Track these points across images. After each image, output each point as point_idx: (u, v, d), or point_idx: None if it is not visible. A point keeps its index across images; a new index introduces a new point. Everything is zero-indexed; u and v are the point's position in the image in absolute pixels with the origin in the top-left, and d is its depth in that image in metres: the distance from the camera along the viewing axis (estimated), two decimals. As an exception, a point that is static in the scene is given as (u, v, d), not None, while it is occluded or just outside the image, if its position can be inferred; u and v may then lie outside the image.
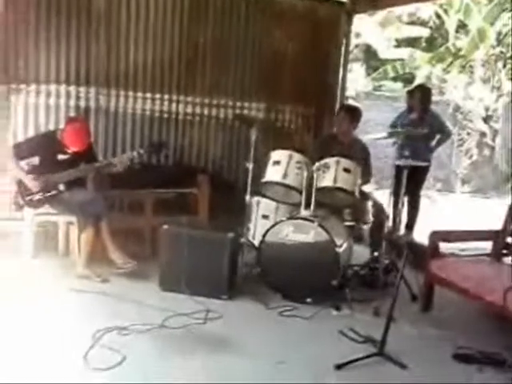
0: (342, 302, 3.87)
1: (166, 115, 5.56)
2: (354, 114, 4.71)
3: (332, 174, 4.00)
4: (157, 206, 4.82)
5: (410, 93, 5.75)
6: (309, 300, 3.86)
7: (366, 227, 4.49)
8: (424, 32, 12.19)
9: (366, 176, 4.49)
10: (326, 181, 4.01)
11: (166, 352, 3.05)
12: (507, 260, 4.25)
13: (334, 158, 4.05)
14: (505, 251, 4.28)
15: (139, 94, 5.43)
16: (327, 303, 3.84)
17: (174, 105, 5.57)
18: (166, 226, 3.98)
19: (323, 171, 4.01)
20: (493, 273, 3.93)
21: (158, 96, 5.50)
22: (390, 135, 4.43)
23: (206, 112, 5.70)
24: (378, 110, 9.92)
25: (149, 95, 5.46)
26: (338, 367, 2.97)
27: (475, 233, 4.46)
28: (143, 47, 5.37)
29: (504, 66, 10.80)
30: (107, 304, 3.64)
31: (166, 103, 5.53)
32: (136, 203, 4.98)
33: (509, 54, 10.17)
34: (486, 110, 11.07)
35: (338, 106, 5.87)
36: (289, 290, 3.92)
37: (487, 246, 4.27)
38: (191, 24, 5.51)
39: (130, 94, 5.39)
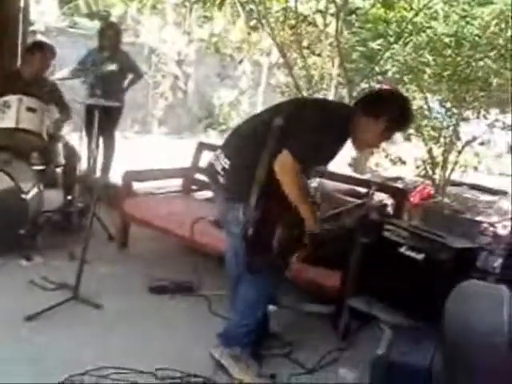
0: (34, 250, 3.65)
1: None
2: (47, 52, 4.32)
3: (14, 113, 3.64)
4: None
5: (101, 31, 5.56)
6: (-6, 253, 3.52)
7: (59, 170, 4.28)
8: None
9: (65, 113, 4.27)
10: (7, 121, 3.63)
11: None
12: (198, 195, 4.59)
13: (16, 96, 3.67)
14: (194, 187, 4.60)
15: None
16: (16, 254, 3.57)
17: None
18: None
19: (3, 111, 3.62)
20: (183, 208, 4.19)
21: None
22: (78, 73, 4.23)
23: None
24: (72, 48, 9.40)
25: None
26: (30, 318, 2.83)
27: (167, 171, 4.67)
28: None
29: (190, 10, 11.25)
30: None
31: None
32: None
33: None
34: (179, 54, 11.53)
35: (20, 40, 5.32)
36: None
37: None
38: None
39: None
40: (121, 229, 4.06)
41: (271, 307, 2.95)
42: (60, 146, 4.12)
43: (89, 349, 2.68)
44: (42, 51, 4.29)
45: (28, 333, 2.75)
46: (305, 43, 8.52)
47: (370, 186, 3.67)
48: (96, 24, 12.02)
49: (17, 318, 2.83)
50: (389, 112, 2.43)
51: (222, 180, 2.51)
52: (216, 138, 10.14)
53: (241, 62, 11.88)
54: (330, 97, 7.31)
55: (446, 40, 6.26)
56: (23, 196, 3.56)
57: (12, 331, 2.74)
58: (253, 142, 2.42)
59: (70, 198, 4.18)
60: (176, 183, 4.65)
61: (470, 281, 2.25)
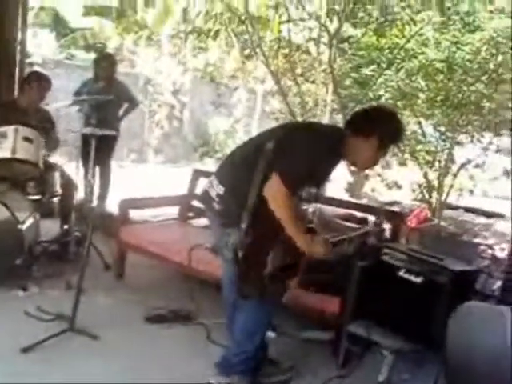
0: (30, 280, 3.62)
1: None
2: (44, 83, 4.37)
3: (10, 143, 3.64)
4: None
5: (96, 61, 5.63)
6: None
7: (55, 200, 4.27)
8: (113, 1, 12.03)
9: (53, 144, 4.27)
10: (4, 152, 3.63)
11: None
12: (194, 222, 4.56)
13: (12, 127, 3.68)
14: (191, 214, 4.59)
15: None
16: (12, 284, 3.53)
17: None
18: None
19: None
20: (179, 235, 4.17)
21: None
22: (74, 103, 4.26)
23: None
24: (68, 80, 9.50)
25: None
26: (25, 350, 2.78)
27: (163, 199, 4.66)
28: None
29: (185, 40, 11.39)
30: None
31: None
32: None
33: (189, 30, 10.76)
34: (174, 83, 11.64)
35: (17, 71, 5.36)
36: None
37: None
38: None
39: None
40: (117, 258, 4.02)
41: (270, 334, 2.91)
42: (56, 175, 4.12)
43: (86, 380, 2.63)
44: (38, 81, 4.33)
45: (24, 365, 2.71)
46: (298, 71, 8.62)
47: (368, 211, 3.69)
48: (92, 56, 12.15)
49: (12, 349, 2.78)
50: (379, 130, 2.42)
51: (216, 206, 2.49)
52: (212, 166, 10.16)
53: (236, 89, 11.99)
54: (325, 122, 7.35)
55: (438, 65, 6.36)
56: (19, 226, 3.53)
57: (7, 363, 2.70)
58: (246, 168, 2.40)
59: (66, 227, 4.15)
60: (172, 211, 4.63)
61: (472, 302, 2.23)
